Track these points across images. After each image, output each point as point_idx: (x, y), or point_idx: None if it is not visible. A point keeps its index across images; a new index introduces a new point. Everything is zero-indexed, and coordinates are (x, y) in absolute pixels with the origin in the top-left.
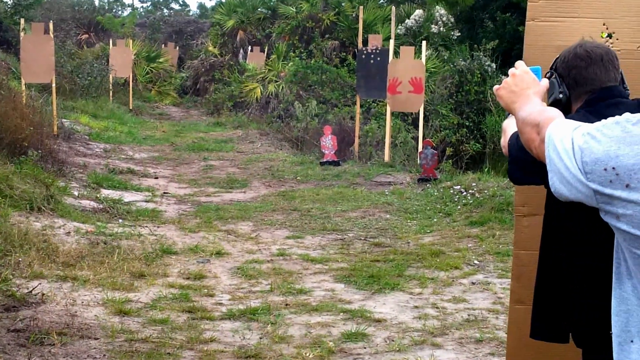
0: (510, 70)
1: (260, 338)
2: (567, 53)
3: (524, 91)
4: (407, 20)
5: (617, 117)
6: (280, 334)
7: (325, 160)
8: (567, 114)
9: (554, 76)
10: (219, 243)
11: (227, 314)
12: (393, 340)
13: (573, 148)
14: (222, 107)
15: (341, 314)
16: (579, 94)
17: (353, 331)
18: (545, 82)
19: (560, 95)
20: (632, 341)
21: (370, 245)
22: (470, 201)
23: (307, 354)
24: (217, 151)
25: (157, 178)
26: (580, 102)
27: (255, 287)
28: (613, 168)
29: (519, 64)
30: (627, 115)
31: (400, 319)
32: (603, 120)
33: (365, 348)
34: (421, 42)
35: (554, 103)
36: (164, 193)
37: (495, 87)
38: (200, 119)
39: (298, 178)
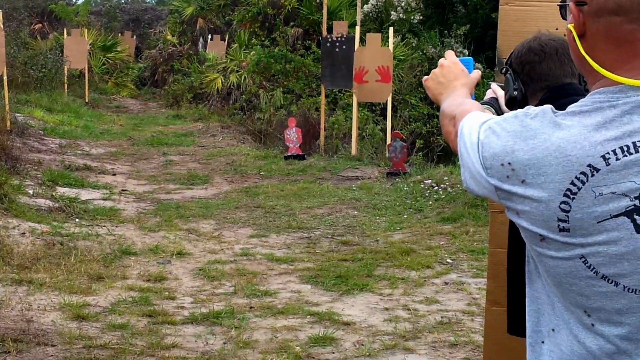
0: (440, 61)
1: (224, 343)
2: (521, 47)
3: (451, 83)
4: (364, 6)
5: (518, 110)
6: (244, 339)
7: (289, 154)
8: None
9: (508, 72)
10: (180, 243)
11: (190, 317)
12: (363, 345)
13: (478, 142)
14: (182, 99)
15: (308, 316)
16: (534, 91)
17: (321, 335)
18: (476, 74)
19: (515, 93)
20: (542, 342)
21: (338, 243)
22: (442, 196)
23: None
24: (177, 145)
25: (114, 175)
26: (536, 99)
27: (218, 289)
28: (509, 163)
29: (449, 54)
30: (527, 108)
31: (370, 321)
32: (506, 114)
33: (334, 353)
34: (388, 29)
35: (510, 101)
36: (122, 190)
37: (425, 77)
38: (159, 111)
39: (261, 173)
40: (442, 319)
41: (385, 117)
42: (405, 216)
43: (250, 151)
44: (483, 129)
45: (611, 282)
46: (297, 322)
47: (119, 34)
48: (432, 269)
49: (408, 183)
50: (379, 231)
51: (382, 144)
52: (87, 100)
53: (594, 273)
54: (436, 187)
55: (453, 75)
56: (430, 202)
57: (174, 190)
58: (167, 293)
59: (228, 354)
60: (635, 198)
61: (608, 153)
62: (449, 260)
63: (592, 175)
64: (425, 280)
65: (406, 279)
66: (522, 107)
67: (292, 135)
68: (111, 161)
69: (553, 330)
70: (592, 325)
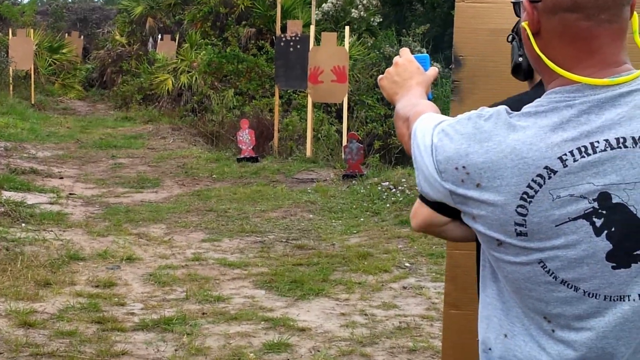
0: (395, 59)
1: (176, 350)
2: None
3: (406, 82)
4: (323, 5)
5: (471, 112)
6: (197, 346)
7: (242, 156)
8: (529, 78)
9: (514, 40)
10: (130, 247)
11: (140, 324)
12: (319, 351)
13: (431, 145)
14: (131, 100)
15: (262, 322)
16: None
17: (275, 341)
18: (432, 72)
19: (520, 59)
20: (490, 349)
21: (293, 247)
22: (400, 198)
23: None
24: (126, 148)
25: (62, 178)
26: None
27: (169, 295)
28: (463, 167)
29: (404, 51)
30: (481, 109)
31: (326, 327)
32: (459, 116)
33: (289, 359)
34: (344, 28)
35: (515, 68)
36: (70, 194)
37: (379, 76)
38: (107, 113)
39: (214, 176)
40: (400, 324)
41: (341, 119)
42: (362, 219)
43: (202, 153)
44: (436, 132)
45: (571, 287)
46: (250, 328)
47: (66, 34)
48: (390, 273)
49: (365, 185)
50: (335, 235)
51: (338, 146)
52: (33, 102)
53: (553, 278)
54: (394, 190)
55: (408, 74)
56: (388, 205)
57: (123, 194)
58: (116, 299)
59: None
60: (594, 200)
61: (565, 154)
62: (407, 264)
63: (549, 178)
64: (382, 285)
65: (363, 283)
66: (527, 76)
67: (245, 137)
68: (58, 164)
69: (505, 336)
70: (553, 331)
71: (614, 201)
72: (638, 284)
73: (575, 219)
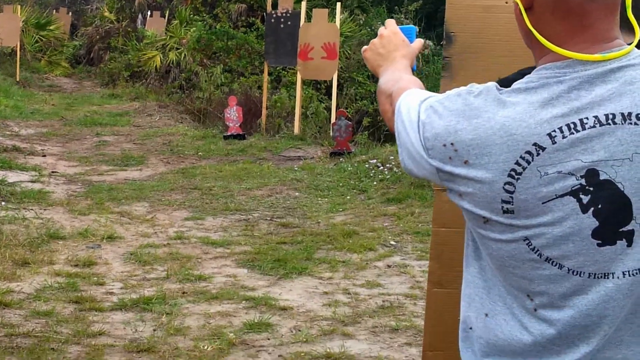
0: (379, 30)
1: (154, 330)
2: None
3: (391, 54)
4: None
5: (460, 88)
6: (176, 325)
7: (229, 133)
8: None
9: None
10: (111, 226)
11: (119, 304)
12: (300, 330)
13: (418, 122)
14: (118, 77)
15: (243, 302)
16: None
17: (256, 321)
18: (417, 44)
19: None
20: (470, 328)
21: (277, 226)
22: (388, 176)
23: (205, 347)
24: (111, 125)
25: (44, 156)
26: None
27: (149, 274)
28: (452, 144)
29: (389, 23)
30: (471, 86)
31: (308, 306)
32: (447, 92)
33: (269, 339)
34: (335, 5)
35: None
36: (52, 172)
37: (364, 48)
38: (94, 90)
39: (199, 154)
40: (383, 303)
41: (330, 96)
42: (348, 197)
43: (188, 131)
44: (423, 108)
45: (555, 265)
46: (231, 307)
47: (54, 11)
48: (375, 252)
49: (352, 163)
50: (320, 213)
51: (327, 123)
52: (18, 79)
53: (537, 255)
54: (381, 167)
55: (393, 46)
56: (375, 183)
57: (107, 172)
58: (95, 278)
59: (158, 341)
60: (582, 177)
61: (554, 131)
62: (392, 243)
63: (538, 155)
64: (367, 263)
65: (347, 262)
66: None
67: (233, 114)
68: (41, 142)
69: (486, 315)
70: (535, 309)
71: (601, 178)
72: (623, 261)
73: (562, 195)
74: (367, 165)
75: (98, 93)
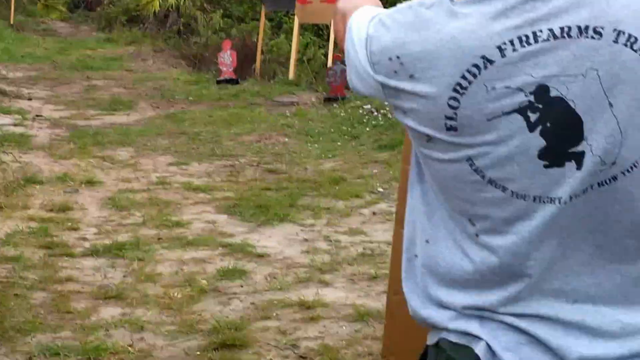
0: None
1: (124, 276)
2: None
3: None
4: None
5: (412, 0)
6: (147, 272)
7: (222, 78)
8: None
9: None
10: (92, 171)
11: (91, 249)
12: (275, 278)
13: (366, 37)
14: (115, 21)
15: (220, 248)
16: None
17: (230, 268)
18: None
19: None
20: (415, 256)
21: (263, 172)
22: (381, 122)
23: (176, 294)
24: (103, 70)
25: (30, 99)
26: None
27: (126, 220)
28: (397, 57)
29: None
30: None
31: (287, 253)
32: (399, 5)
33: (242, 286)
34: None
35: None
36: (37, 116)
37: None
38: (90, 35)
39: (190, 99)
40: (364, 250)
41: (329, 41)
42: (339, 143)
43: (181, 75)
44: (373, 23)
45: (498, 187)
46: (207, 254)
47: None
48: (362, 199)
49: (346, 109)
50: (309, 159)
51: (324, 69)
52: (12, 23)
53: (480, 177)
54: (375, 113)
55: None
56: (368, 129)
57: (94, 116)
58: (69, 224)
59: (127, 287)
60: (531, 93)
61: (505, 43)
62: (380, 189)
63: (485, 68)
64: (352, 211)
65: (332, 209)
66: None
67: (227, 59)
68: (29, 85)
69: (427, 241)
70: (477, 235)
71: (552, 94)
72: (569, 184)
73: (509, 113)
74: (360, 111)
75: (94, 37)
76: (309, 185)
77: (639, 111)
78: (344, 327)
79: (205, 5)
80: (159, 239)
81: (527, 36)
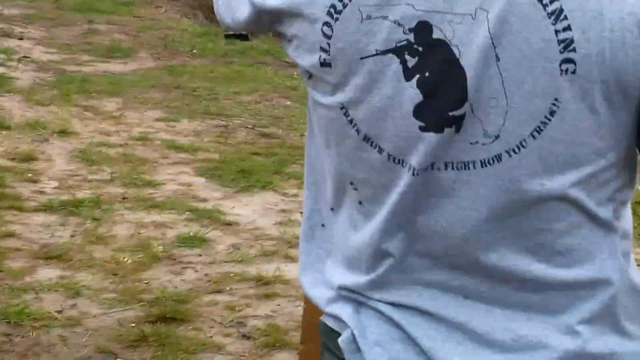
0: None
1: (72, 236)
2: None
3: None
4: None
5: None
6: (100, 233)
7: (230, 33)
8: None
9: None
10: (68, 120)
11: (45, 205)
12: (238, 249)
13: None
14: None
15: (187, 213)
16: None
17: (191, 234)
18: None
19: None
20: (323, 225)
21: (257, 135)
22: None
23: (125, 259)
24: (109, 14)
25: (21, 39)
26: None
27: (93, 175)
28: None
29: None
30: None
31: (258, 223)
32: None
33: (200, 256)
34: None
35: None
36: (23, 57)
37: None
38: None
39: (194, 51)
40: None
41: None
42: None
43: (190, 26)
44: None
45: (375, 147)
46: (171, 218)
47: None
48: None
49: None
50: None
51: None
52: None
53: (355, 131)
54: None
55: None
56: None
57: (87, 62)
58: (30, 175)
59: (73, 248)
60: (410, 30)
61: None
62: None
63: None
64: None
65: None
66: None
67: None
68: (23, 24)
69: (332, 209)
70: (360, 202)
71: (434, 36)
72: (449, 154)
73: (384, 52)
74: None
75: None
76: (300, 153)
77: (528, 74)
78: (299, 307)
79: None
80: (123, 198)
81: None
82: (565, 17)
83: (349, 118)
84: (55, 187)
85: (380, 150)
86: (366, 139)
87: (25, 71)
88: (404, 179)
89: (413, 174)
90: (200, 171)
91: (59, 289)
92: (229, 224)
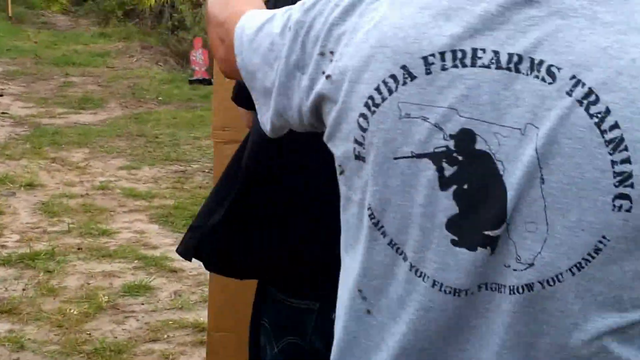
0: None
1: (24, 290)
2: None
3: None
4: None
5: None
6: (51, 285)
7: (194, 78)
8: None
9: None
10: (37, 173)
11: (4, 259)
12: (180, 296)
13: (294, 25)
14: (112, 16)
15: (136, 261)
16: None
17: (136, 283)
18: None
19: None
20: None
21: (212, 179)
22: None
23: (72, 310)
24: (85, 66)
25: (1, 95)
26: None
27: (53, 227)
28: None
29: None
30: None
31: (202, 269)
32: None
33: (143, 304)
34: None
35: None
36: (2, 113)
37: None
38: (88, 29)
39: (160, 98)
40: None
41: None
42: None
43: (158, 73)
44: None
45: (400, 254)
46: (120, 267)
47: None
48: None
49: None
50: None
51: None
52: (10, 15)
53: (381, 234)
54: None
55: None
56: None
57: (60, 115)
58: None
59: (25, 302)
60: (451, 137)
61: (434, 55)
62: None
63: (404, 84)
64: None
65: None
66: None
67: (198, 57)
68: (5, 81)
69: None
70: (369, 312)
71: (477, 146)
72: (480, 274)
73: (420, 156)
74: None
75: (90, 32)
76: None
77: (575, 203)
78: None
79: (201, 1)
80: (78, 248)
81: (463, 52)
82: (626, 148)
83: (374, 220)
84: (16, 241)
85: (405, 258)
86: (391, 244)
87: (2, 127)
88: (424, 294)
89: (438, 290)
90: (154, 218)
91: (5, 343)
92: (175, 270)
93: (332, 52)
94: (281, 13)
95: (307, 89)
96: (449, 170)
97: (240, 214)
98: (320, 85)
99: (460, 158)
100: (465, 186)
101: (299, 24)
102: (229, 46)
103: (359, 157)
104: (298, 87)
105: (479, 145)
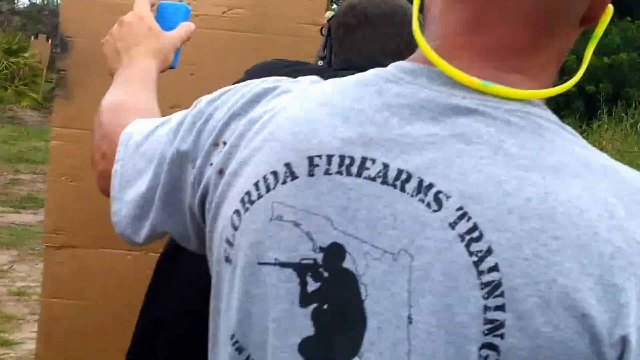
0: (121, 17)
1: None
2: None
3: (131, 50)
4: None
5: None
6: None
7: None
8: None
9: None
10: None
11: None
12: None
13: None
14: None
15: None
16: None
17: None
18: (178, 32)
19: (321, 62)
20: None
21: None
22: None
23: None
24: (38, 163)
25: None
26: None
27: None
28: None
29: (138, 3)
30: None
31: None
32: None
33: None
34: None
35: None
36: None
37: (103, 39)
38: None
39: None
40: None
41: None
42: None
43: None
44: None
45: None
46: None
47: (32, 37)
48: None
49: None
50: None
51: None
52: None
53: (236, 350)
54: None
55: (134, 38)
56: None
57: None
58: None
59: None
60: (321, 250)
61: (319, 157)
62: None
63: (284, 183)
64: None
65: None
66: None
67: None
68: None
69: None
70: None
71: (345, 265)
72: None
73: (284, 265)
74: None
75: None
76: None
77: (440, 348)
78: None
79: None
80: None
81: (352, 160)
82: (502, 294)
83: (233, 341)
84: None
85: None
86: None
87: None
88: None
89: None
90: None
91: None
92: None
93: (224, 143)
94: (179, 113)
95: (194, 184)
96: (312, 286)
97: None
98: (206, 178)
99: (325, 274)
100: (325, 306)
101: (199, 114)
102: (110, 158)
103: (227, 260)
104: (186, 182)
105: (347, 264)
